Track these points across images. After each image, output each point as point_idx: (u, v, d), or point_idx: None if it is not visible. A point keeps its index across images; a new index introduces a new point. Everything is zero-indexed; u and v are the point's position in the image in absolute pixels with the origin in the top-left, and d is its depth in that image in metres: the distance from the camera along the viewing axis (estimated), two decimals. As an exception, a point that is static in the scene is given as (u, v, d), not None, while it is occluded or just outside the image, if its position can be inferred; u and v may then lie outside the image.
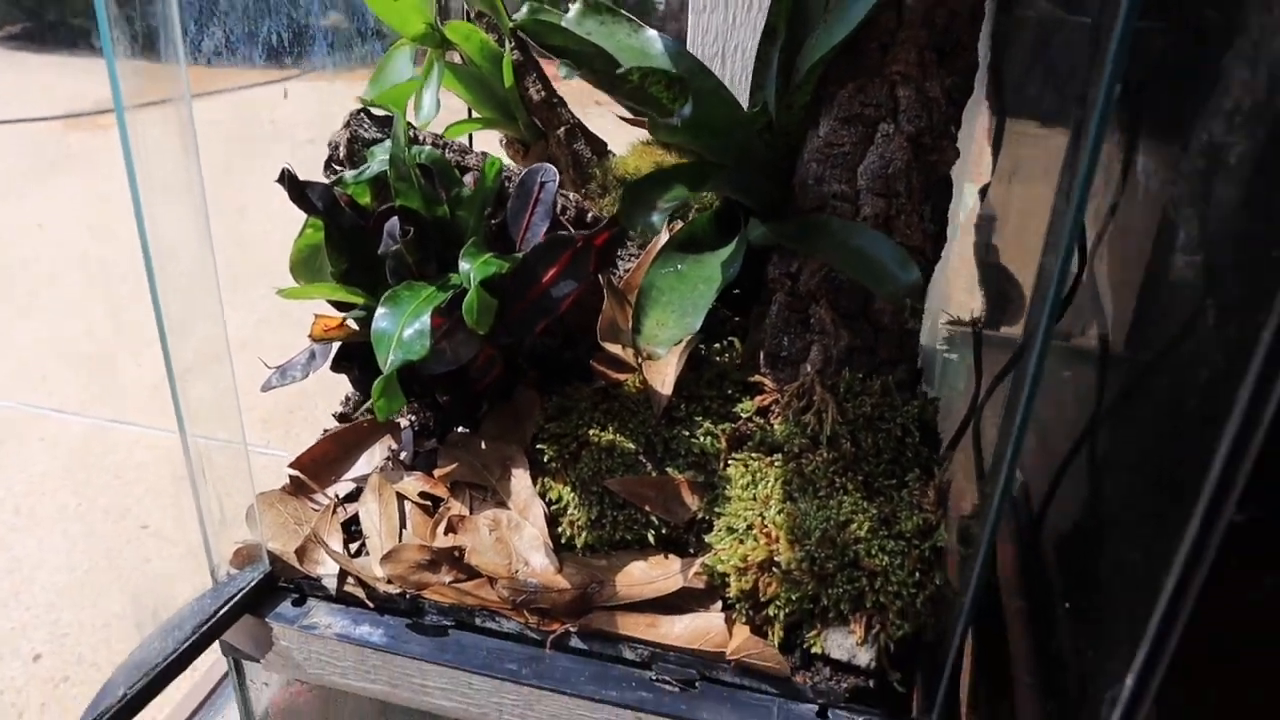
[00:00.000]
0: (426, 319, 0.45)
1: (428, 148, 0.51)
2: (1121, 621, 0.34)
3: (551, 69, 0.67)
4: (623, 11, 0.68)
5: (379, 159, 0.50)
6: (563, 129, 0.67)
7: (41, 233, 3.45)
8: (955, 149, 0.55)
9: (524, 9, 0.67)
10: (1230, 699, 0.31)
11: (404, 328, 0.45)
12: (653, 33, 0.68)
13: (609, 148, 0.70)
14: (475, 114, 0.66)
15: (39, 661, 1.74)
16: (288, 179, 0.48)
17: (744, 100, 0.65)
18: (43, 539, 2.03)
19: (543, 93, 0.67)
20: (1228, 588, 0.28)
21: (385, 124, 0.56)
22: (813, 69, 0.55)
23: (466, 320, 0.44)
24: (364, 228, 0.50)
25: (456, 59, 0.65)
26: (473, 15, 0.65)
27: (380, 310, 0.46)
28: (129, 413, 2.42)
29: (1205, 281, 0.33)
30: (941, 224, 0.56)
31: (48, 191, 3.83)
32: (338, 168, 0.55)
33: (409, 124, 0.56)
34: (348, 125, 0.55)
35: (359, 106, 0.56)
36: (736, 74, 1.13)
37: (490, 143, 0.69)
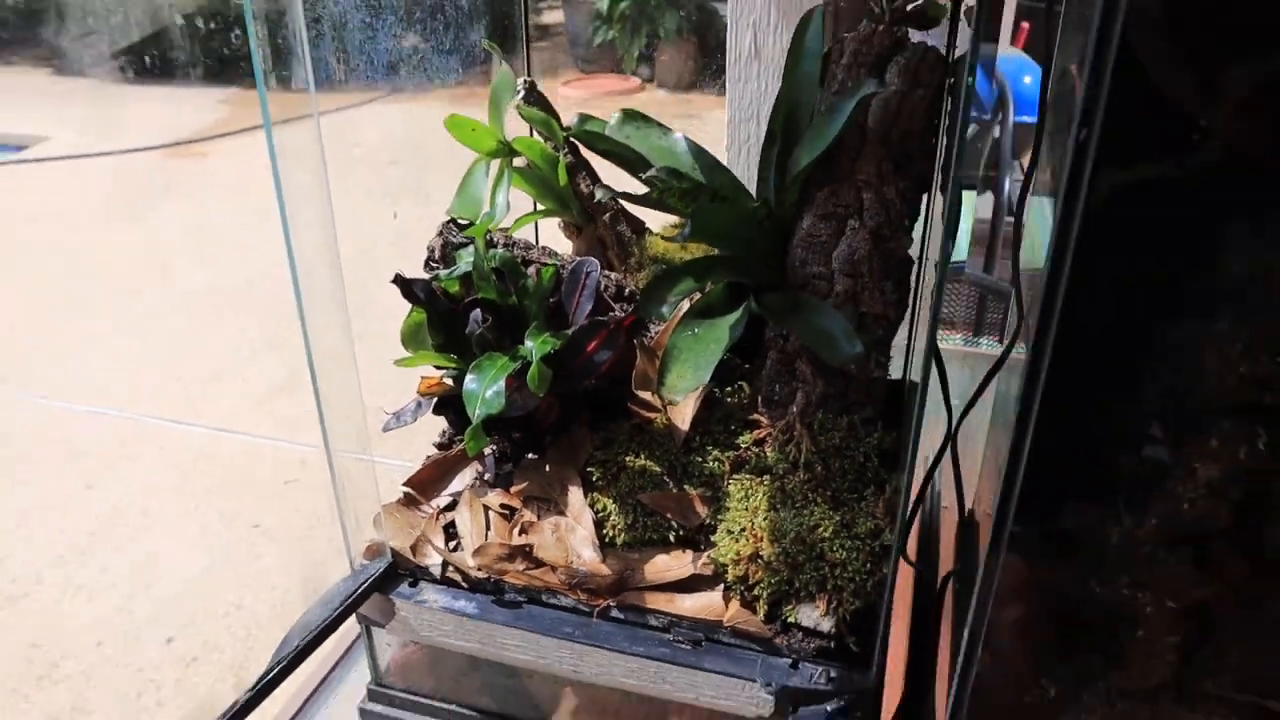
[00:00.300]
0: (502, 383, 0.63)
1: (500, 251, 0.69)
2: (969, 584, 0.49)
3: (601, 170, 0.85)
4: (654, 119, 0.85)
5: (465, 260, 0.68)
6: (607, 214, 0.85)
7: (150, 256, 3.72)
8: (909, 238, 0.71)
9: (575, 120, 0.84)
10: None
11: (486, 389, 0.63)
12: (679, 135, 0.85)
13: (646, 225, 0.87)
14: (539, 206, 0.84)
15: (171, 644, 1.97)
16: (400, 281, 0.66)
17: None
18: (168, 538, 2.27)
19: (591, 186, 0.84)
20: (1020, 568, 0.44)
21: (467, 229, 0.74)
22: (799, 175, 0.72)
23: (531, 387, 0.62)
24: (454, 311, 0.68)
25: (520, 163, 0.83)
26: (534, 130, 0.83)
27: (469, 376, 0.64)
28: (235, 423, 2.66)
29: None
30: (903, 293, 0.72)
31: (154, 217, 4.10)
32: (434, 265, 0.74)
33: (488, 219, 0.74)
34: (440, 234, 0.74)
35: (448, 218, 0.75)
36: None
37: (551, 226, 0.87)
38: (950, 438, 0.74)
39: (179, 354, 2.97)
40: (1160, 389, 0.39)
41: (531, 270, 0.72)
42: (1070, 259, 0.37)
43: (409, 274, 0.68)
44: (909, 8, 0.74)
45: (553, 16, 5.96)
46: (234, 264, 3.53)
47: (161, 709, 1.77)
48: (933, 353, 0.52)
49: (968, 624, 0.46)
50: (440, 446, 0.78)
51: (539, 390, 0.62)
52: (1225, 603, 0.43)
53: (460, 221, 0.74)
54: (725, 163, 1.38)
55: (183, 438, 2.61)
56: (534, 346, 0.63)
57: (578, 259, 0.71)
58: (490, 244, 0.73)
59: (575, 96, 5.69)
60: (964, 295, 1.91)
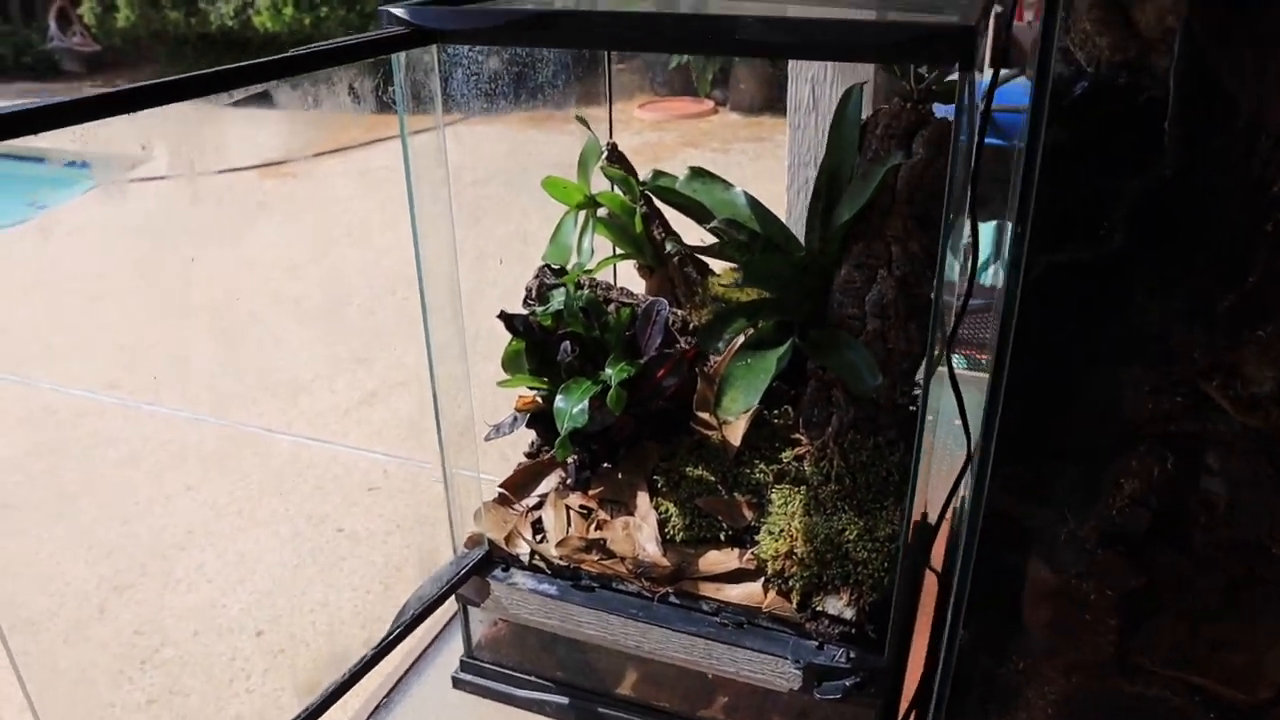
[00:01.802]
0: (586, 403, 0.77)
1: (585, 292, 0.83)
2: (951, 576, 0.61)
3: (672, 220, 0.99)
4: (718, 175, 0.99)
5: (557, 299, 0.83)
6: (676, 258, 0.98)
7: (246, 273, 3.95)
8: (931, 283, 0.83)
9: (649, 175, 0.98)
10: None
11: (573, 407, 0.77)
12: (739, 190, 0.98)
13: (710, 268, 1.01)
14: (617, 250, 0.98)
15: (261, 637, 2.13)
16: (504, 316, 0.81)
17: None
18: (260, 538, 2.45)
19: (663, 233, 0.98)
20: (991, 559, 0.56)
21: (560, 274, 0.88)
22: (839, 230, 0.84)
23: (609, 407, 0.75)
24: (547, 342, 0.82)
25: (603, 213, 0.97)
26: (614, 185, 0.97)
27: (559, 396, 0.78)
28: (323, 432, 2.84)
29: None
30: (924, 333, 0.84)
31: (249, 236, 4.32)
32: (531, 302, 0.88)
33: (579, 268, 0.88)
34: (537, 275, 0.89)
35: (543, 263, 0.89)
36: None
37: (627, 267, 1.01)
38: (970, 457, 0.86)
39: (273, 366, 3.16)
40: (1092, 418, 0.51)
41: (611, 308, 0.85)
42: (1015, 320, 0.49)
43: (498, 294, 0.82)
44: (934, 88, 0.87)
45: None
46: (324, 282, 3.75)
47: (250, 695, 1.93)
48: (932, 370, 0.64)
49: (950, 604, 0.58)
50: (530, 455, 0.92)
51: (616, 409, 0.76)
52: (1153, 592, 0.54)
53: (553, 266, 0.89)
54: (786, 201, 1.51)
55: (275, 445, 2.79)
56: (613, 373, 0.77)
57: (650, 298, 0.85)
58: (578, 286, 0.87)
59: (650, 119, 5.86)
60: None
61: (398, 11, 0.63)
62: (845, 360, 0.78)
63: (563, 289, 0.84)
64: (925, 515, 0.85)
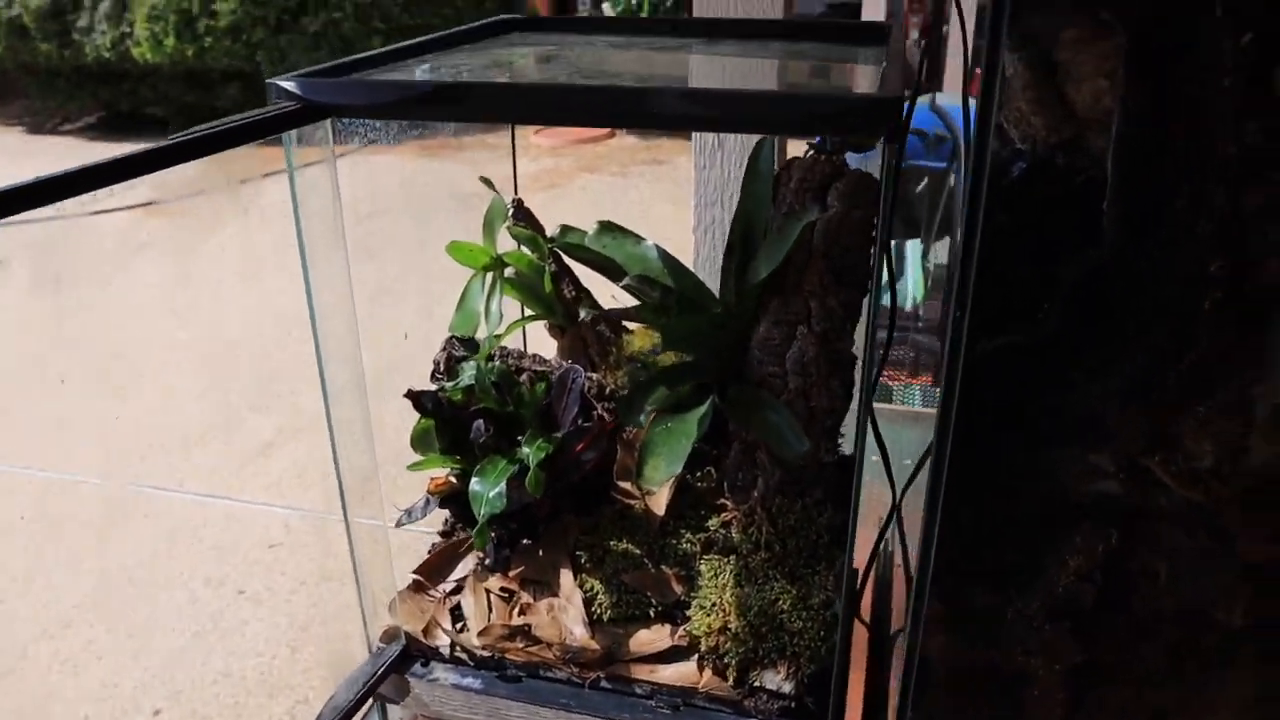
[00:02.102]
0: (503, 485, 0.72)
1: (497, 364, 0.79)
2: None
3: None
4: (629, 229, 0.96)
5: (467, 374, 0.78)
6: (589, 318, 0.95)
7: (129, 318, 3.75)
8: (852, 339, 0.82)
9: (558, 232, 0.95)
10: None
11: (489, 491, 0.72)
12: (650, 244, 0.95)
13: (624, 325, 0.97)
14: (527, 311, 0.94)
15: (159, 716, 2.00)
16: (411, 395, 0.76)
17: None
18: (155, 605, 2.30)
19: (573, 292, 0.95)
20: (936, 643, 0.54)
21: (468, 344, 0.84)
22: (755, 287, 0.82)
23: (529, 489, 0.71)
24: (459, 419, 0.78)
25: (510, 273, 0.93)
26: (520, 244, 0.93)
27: (475, 479, 0.73)
28: (219, 488, 2.70)
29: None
30: (848, 388, 0.82)
31: (132, 278, 4.11)
32: (439, 377, 0.84)
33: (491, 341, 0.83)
34: (444, 348, 0.84)
35: (451, 334, 0.85)
36: (730, 216, 1.41)
37: (537, 327, 0.97)
38: (895, 507, 0.85)
39: (162, 418, 3.00)
40: (1035, 498, 0.50)
41: (524, 378, 0.81)
42: (955, 403, 0.47)
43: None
44: (837, 141, 0.86)
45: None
46: (213, 326, 3.58)
47: (148, 783, 1.80)
48: (864, 440, 0.62)
49: (897, 688, 0.56)
50: (444, 534, 0.87)
51: (536, 492, 0.72)
52: (1098, 663, 0.53)
53: (460, 337, 0.84)
54: (694, 241, 1.50)
55: (168, 504, 2.64)
56: (530, 452, 0.73)
57: (564, 366, 0.81)
58: (489, 358, 0.83)
59: (546, 144, 5.83)
60: (926, 339, 2.03)
61: (288, 85, 0.58)
62: (769, 424, 0.76)
63: (472, 362, 0.80)
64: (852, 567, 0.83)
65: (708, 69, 0.84)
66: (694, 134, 1.39)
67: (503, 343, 0.90)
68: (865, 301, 0.85)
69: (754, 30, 0.95)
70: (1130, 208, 0.43)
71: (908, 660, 0.55)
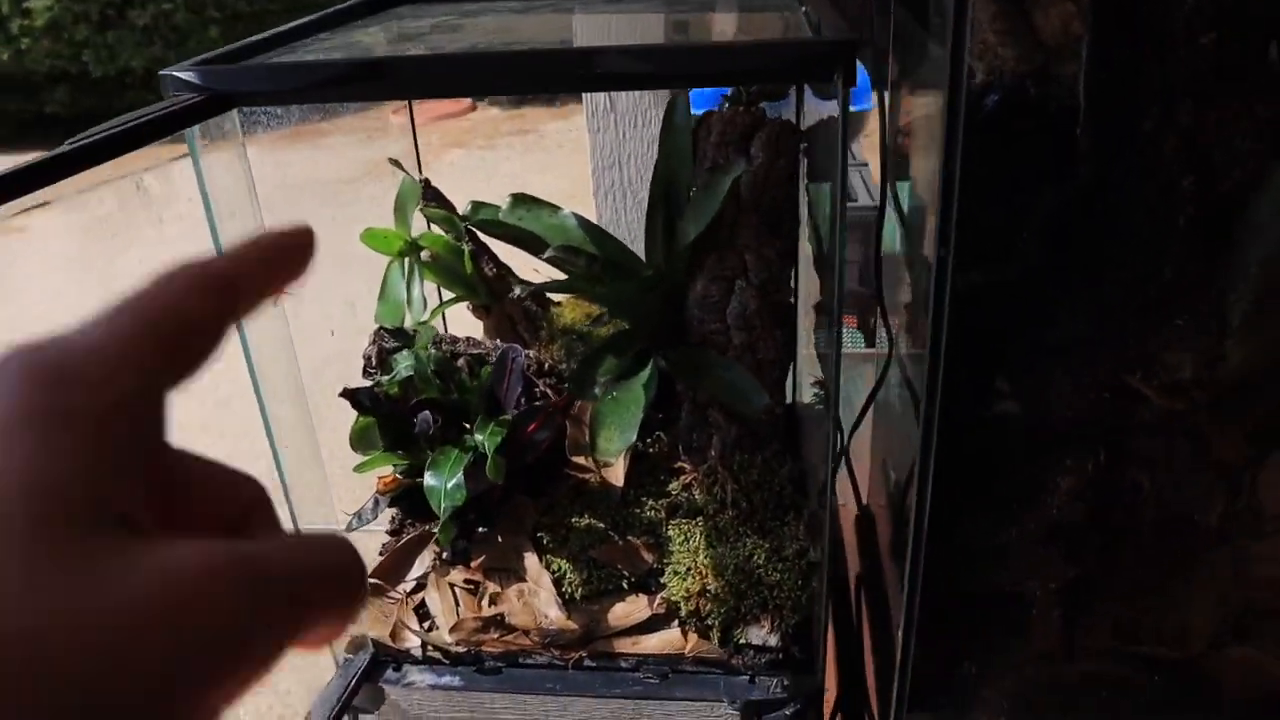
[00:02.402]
0: (460, 476, 0.69)
1: (434, 353, 0.75)
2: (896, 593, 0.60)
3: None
4: (543, 200, 0.93)
5: (403, 365, 0.74)
6: (512, 293, 0.92)
7: (4, 331, 3.47)
8: (790, 289, 0.81)
9: (469, 209, 0.91)
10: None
11: (447, 483, 0.69)
12: (567, 212, 0.92)
13: (549, 298, 0.95)
14: (443, 295, 0.90)
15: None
16: (348, 393, 0.72)
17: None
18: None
19: (494, 269, 0.91)
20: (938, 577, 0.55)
21: (398, 335, 0.80)
22: (687, 247, 0.81)
23: (490, 476, 0.69)
24: (399, 414, 0.74)
25: (426, 256, 0.89)
26: (434, 225, 0.89)
27: (429, 473, 0.70)
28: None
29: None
30: (790, 337, 0.82)
31: (8, 287, 3.81)
32: (371, 372, 0.79)
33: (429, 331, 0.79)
34: (374, 341, 0.80)
35: (378, 325, 0.80)
36: (631, 176, 1.40)
37: (459, 308, 0.94)
38: (844, 449, 0.86)
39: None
40: (1026, 427, 0.51)
41: (460, 363, 0.78)
42: (944, 339, 0.47)
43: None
44: (754, 89, 0.85)
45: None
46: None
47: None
48: (836, 394, 0.62)
49: (900, 625, 0.57)
50: (392, 534, 0.84)
51: (498, 477, 0.69)
52: (1090, 578, 0.55)
53: (388, 327, 0.80)
54: (594, 206, 1.47)
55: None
56: (484, 439, 0.70)
57: (501, 346, 0.78)
58: (428, 346, 0.79)
59: (405, 123, 5.62)
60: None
61: (185, 75, 0.53)
62: (724, 382, 0.75)
63: (407, 353, 0.76)
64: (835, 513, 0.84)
65: (629, 29, 0.82)
66: (585, 98, 1.37)
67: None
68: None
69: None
70: (1102, 132, 0.43)
71: (909, 596, 0.55)
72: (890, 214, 0.76)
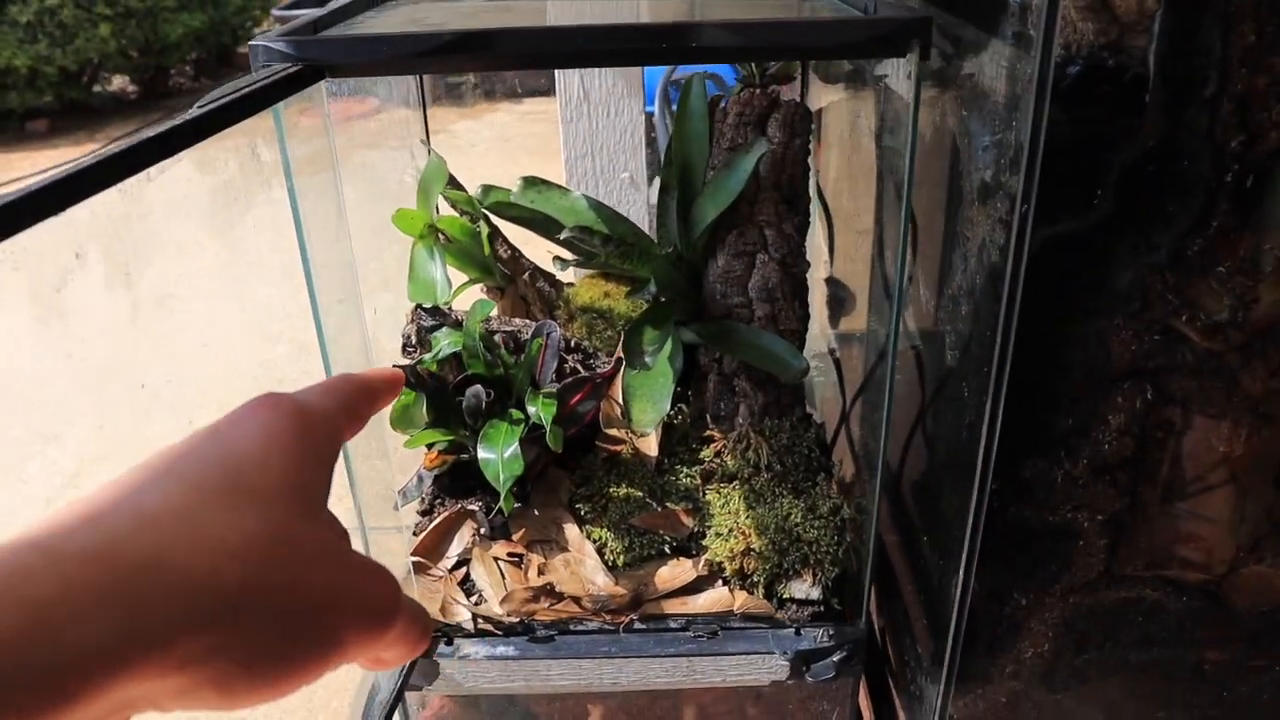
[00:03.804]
0: (516, 446, 0.71)
1: (480, 330, 0.77)
2: (952, 536, 0.65)
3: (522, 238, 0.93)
4: (554, 182, 0.95)
5: (445, 342, 0.76)
6: (526, 274, 0.94)
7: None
8: (807, 262, 0.85)
9: (480, 192, 0.92)
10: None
11: (504, 454, 0.71)
12: (578, 194, 0.94)
13: (559, 279, 0.97)
14: (466, 276, 0.91)
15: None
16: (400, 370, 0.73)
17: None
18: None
19: (509, 251, 0.93)
20: (995, 516, 0.59)
21: (434, 313, 0.81)
22: (708, 226, 0.84)
23: (551, 445, 0.71)
24: (443, 391, 0.75)
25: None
26: (453, 207, 0.90)
27: (481, 447, 0.72)
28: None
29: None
30: (806, 311, 0.86)
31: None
32: (411, 350, 0.80)
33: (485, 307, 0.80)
34: (412, 320, 0.80)
35: (415, 304, 0.81)
36: (603, 165, 1.42)
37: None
38: (844, 416, 0.91)
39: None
40: (1084, 367, 0.56)
41: (497, 338, 0.80)
42: (1019, 290, 0.52)
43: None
44: (769, 72, 0.89)
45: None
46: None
47: None
48: (895, 353, 0.67)
49: (961, 565, 0.61)
50: (423, 513, 0.84)
51: (558, 447, 0.71)
52: (1132, 509, 0.60)
53: (425, 305, 0.81)
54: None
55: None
56: (538, 410, 0.72)
57: (536, 322, 0.80)
58: (457, 324, 0.80)
59: (313, 124, 5.50)
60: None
61: (277, 45, 0.53)
62: (763, 350, 0.79)
63: (446, 330, 0.77)
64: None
65: (674, 9, 0.85)
66: (559, 88, 1.38)
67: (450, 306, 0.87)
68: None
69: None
70: (1169, 99, 0.48)
71: (971, 534, 0.60)
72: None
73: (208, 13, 5.98)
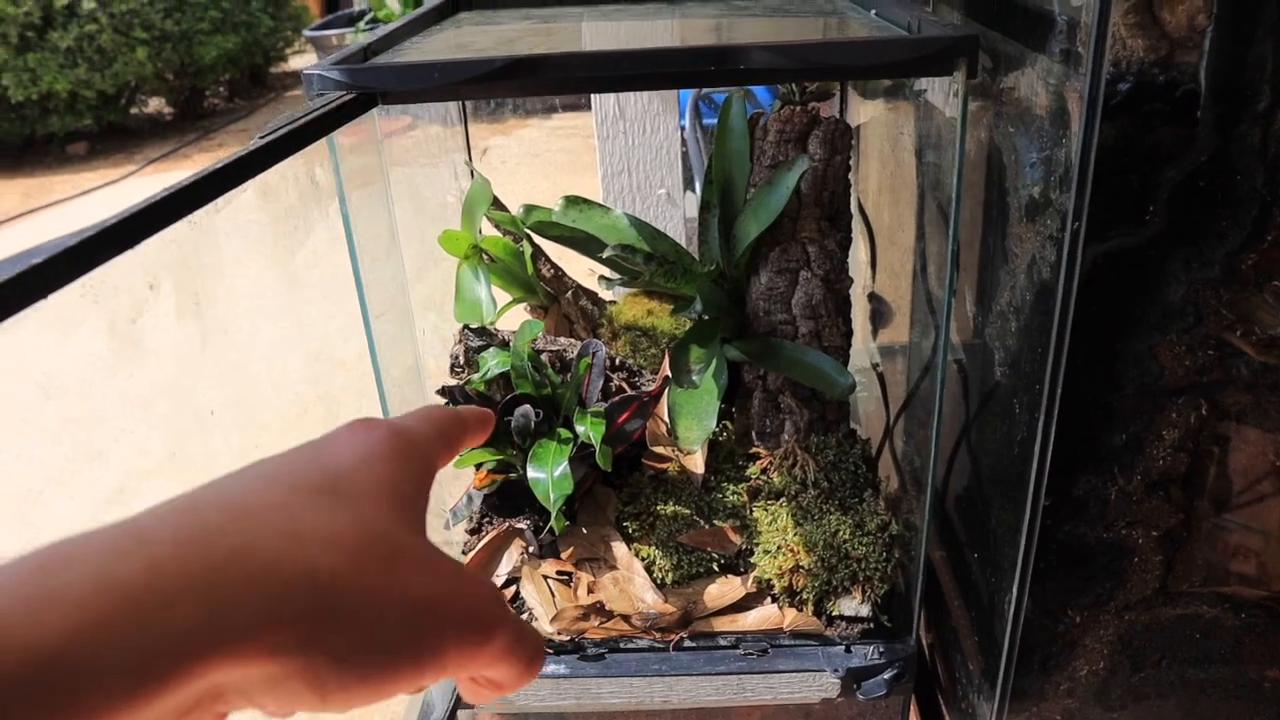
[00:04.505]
0: (565, 465, 0.72)
1: (527, 350, 0.78)
2: (1003, 552, 0.65)
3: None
4: (595, 201, 0.96)
5: (493, 362, 0.77)
6: (569, 292, 0.95)
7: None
8: (850, 278, 0.86)
9: (522, 213, 0.94)
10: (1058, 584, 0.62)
11: (554, 472, 0.72)
12: (619, 212, 0.95)
13: (600, 298, 0.98)
14: (510, 296, 0.93)
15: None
16: (446, 391, 0.74)
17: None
18: None
19: (552, 270, 0.94)
20: (1048, 532, 0.59)
21: (481, 334, 0.82)
22: (750, 243, 0.85)
23: (600, 464, 0.71)
24: (493, 409, 0.76)
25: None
26: (496, 227, 0.91)
27: (531, 466, 0.73)
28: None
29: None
30: (849, 327, 0.87)
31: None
32: (458, 370, 0.81)
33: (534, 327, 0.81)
34: (460, 340, 0.82)
35: (462, 325, 0.82)
36: (640, 182, 1.43)
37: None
38: (889, 431, 0.90)
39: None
40: (1136, 382, 0.55)
41: (545, 358, 0.81)
42: (1072, 306, 0.52)
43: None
44: (808, 90, 0.89)
45: (301, 61, 5.83)
46: (12, 369, 3.23)
47: None
48: (944, 368, 0.67)
49: (1014, 582, 0.61)
50: (471, 532, 0.85)
51: (607, 467, 0.72)
52: (1188, 525, 0.60)
53: (472, 326, 0.82)
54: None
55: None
56: (588, 429, 0.73)
57: (583, 342, 0.81)
58: (504, 344, 0.81)
59: (348, 143, 5.58)
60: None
61: (331, 74, 0.55)
62: (809, 366, 0.79)
63: (494, 350, 0.78)
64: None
65: (704, 26, 0.86)
66: (595, 107, 1.40)
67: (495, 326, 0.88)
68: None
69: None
70: (1220, 115, 0.48)
71: (1025, 551, 0.59)
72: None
73: (240, 35, 6.09)
